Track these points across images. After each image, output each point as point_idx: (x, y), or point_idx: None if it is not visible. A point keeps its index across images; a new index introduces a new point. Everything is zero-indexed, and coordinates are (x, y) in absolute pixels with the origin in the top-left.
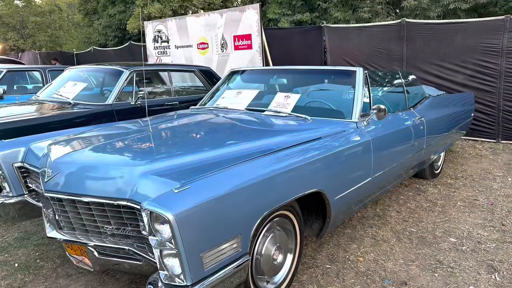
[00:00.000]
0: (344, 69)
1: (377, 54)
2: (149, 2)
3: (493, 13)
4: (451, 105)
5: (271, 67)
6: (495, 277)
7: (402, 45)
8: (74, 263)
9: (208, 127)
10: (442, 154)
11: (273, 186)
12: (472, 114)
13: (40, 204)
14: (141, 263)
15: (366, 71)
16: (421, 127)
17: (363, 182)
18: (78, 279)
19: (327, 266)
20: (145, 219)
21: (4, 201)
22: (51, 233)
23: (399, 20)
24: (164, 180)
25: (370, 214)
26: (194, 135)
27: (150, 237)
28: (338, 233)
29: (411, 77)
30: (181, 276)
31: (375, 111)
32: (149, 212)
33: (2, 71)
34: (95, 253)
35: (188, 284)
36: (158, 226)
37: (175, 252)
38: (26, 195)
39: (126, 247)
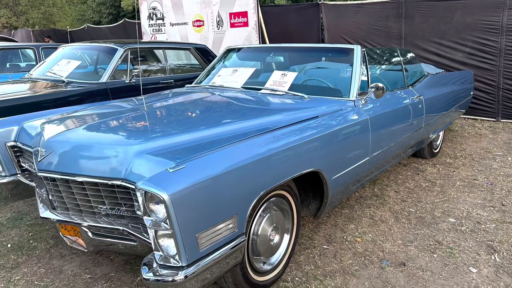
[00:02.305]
0: (342, 46)
1: (375, 32)
2: None
3: None
4: (450, 83)
5: (268, 44)
6: (495, 258)
7: (400, 23)
8: (68, 244)
9: (203, 106)
10: (441, 133)
11: (270, 166)
12: (472, 93)
13: (33, 184)
14: (135, 243)
15: (364, 49)
16: (420, 106)
17: (361, 162)
18: (72, 260)
19: (325, 246)
20: (140, 199)
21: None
22: (45, 213)
23: None
24: (159, 159)
25: (368, 194)
26: (190, 114)
27: (144, 217)
28: (335, 214)
29: (409, 55)
30: (176, 257)
31: (373, 89)
32: (143, 192)
33: None
34: (89, 234)
35: (184, 265)
36: (153, 206)
37: (170, 232)
38: (19, 175)
39: (121, 228)
